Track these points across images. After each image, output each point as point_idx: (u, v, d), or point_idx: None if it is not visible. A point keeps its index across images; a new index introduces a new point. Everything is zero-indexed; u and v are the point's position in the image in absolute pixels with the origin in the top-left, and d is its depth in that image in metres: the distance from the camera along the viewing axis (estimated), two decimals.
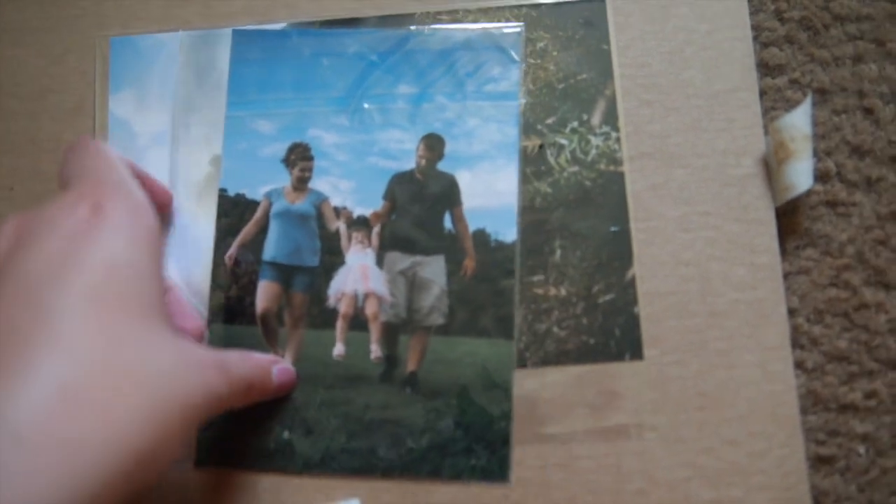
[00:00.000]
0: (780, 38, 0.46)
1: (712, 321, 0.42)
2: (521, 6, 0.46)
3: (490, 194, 0.44)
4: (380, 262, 0.44)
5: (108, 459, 0.28)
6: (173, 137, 0.46)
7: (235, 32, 0.47)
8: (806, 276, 0.43)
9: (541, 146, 0.44)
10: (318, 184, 0.45)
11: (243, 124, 0.46)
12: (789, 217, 0.44)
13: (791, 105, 0.44)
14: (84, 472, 0.27)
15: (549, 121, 0.45)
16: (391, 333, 0.43)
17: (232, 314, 0.44)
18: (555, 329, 0.42)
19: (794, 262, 0.43)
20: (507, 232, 0.43)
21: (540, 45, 0.45)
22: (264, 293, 0.44)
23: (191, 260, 0.45)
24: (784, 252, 0.43)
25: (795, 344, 0.42)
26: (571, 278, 0.43)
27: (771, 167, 0.43)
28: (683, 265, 0.42)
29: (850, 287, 0.43)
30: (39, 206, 0.34)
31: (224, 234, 0.45)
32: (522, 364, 0.42)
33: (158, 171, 0.45)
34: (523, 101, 0.45)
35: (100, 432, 0.28)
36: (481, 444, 0.41)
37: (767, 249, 0.42)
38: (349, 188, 0.45)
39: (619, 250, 0.43)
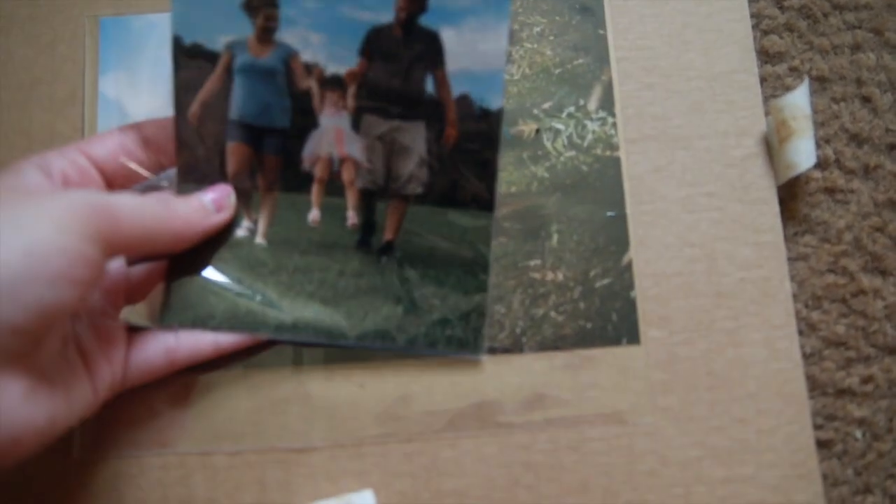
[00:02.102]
0: (779, 26, 0.46)
1: (719, 301, 0.42)
2: None
3: (476, 55, 0.40)
4: (356, 125, 0.41)
5: None
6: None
7: None
8: (804, 263, 0.43)
9: (537, 131, 0.44)
10: (285, 36, 0.40)
11: None
12: (788, 204, 0.44)
13: (791, 91, 0.44)
14: None
15: (546, 105, 0.44)
16: (368, 200, 0.42)
17: (202, 175, 0.41)
18: (552, 314, 0.42)
19: (793, 248, 0.43)
20: (493, 99, 0.41)
21: (536, 29, 0.45)
22: (234, 155, 0.41)
23: None
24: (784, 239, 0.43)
25: None
26: (568, 263, 0.42)
27: (772, 146, 0.43)
28: (689, 246, 0.42)
29: (848, 273, 0.43)
30: None
31: (183, 88, 0.40)
32: (520, 349, 0.41)
33: None
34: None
35: None
36: (456, 315, 0.41)
37: (771, 228, 0.43)
38: (320, 42, 0.40)
39: (616, 235, 0.43)
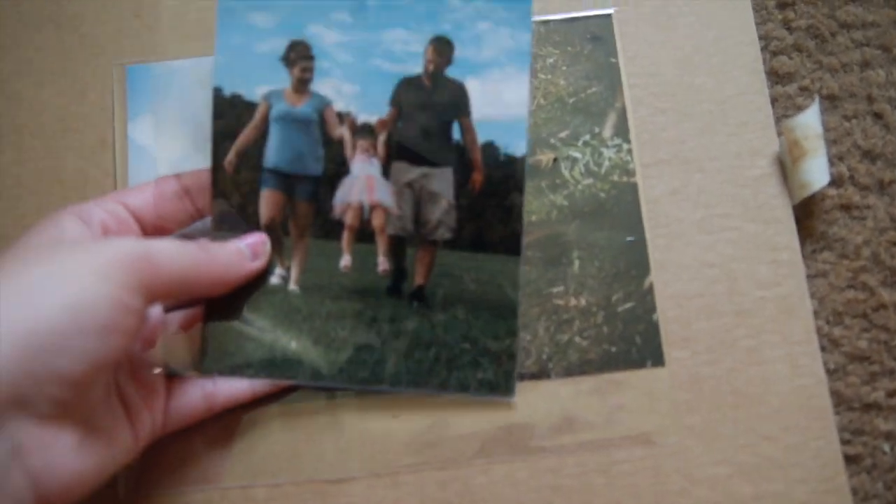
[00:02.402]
0: (788, 47, 0.47)
1: (740, 320, 0.42)
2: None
3: (500, 105, 0.43)
4: (386, 172, 0.43)
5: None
6: (192, 162, 0.45)
7: None
8: (824, 279, 0.44)
9: (555, 160, 0.45)
10: (319, 86, 0.42)
11: (237, 15, 0.42)
12: (805, 221, 0.45)
13: (802, 111, 0.45)
14: None
15: (562, 135, 0.45)
16: (398, 246, 0.43)
17: (235, 223, 0.42)
18: (577, 339, 0.43)
19: (812, 265, 0.44)
20: (517, 145, 0.43)
21: (549, 60, 0.46)
22: (267, 202, 0.42)
23: None
24: (801, 256, 0.43)
25: None
26: (591, 288, 0.43)
27: (786, 166, 0.44)
28: (708, 267, 0.43)
29: (868, 288, 0.44)
30: None
31: (221, 137, 0.42)
32: (547, 375, 0.42)
33: None
34: (535, 8, 0.45)
35: None
36: (487, 358, 0.42)
37: (788, 246, 0.43)
38: (353, 92, 0.42)
39: (636, 259, 0.43)
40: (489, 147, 0.43)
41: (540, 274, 0.43)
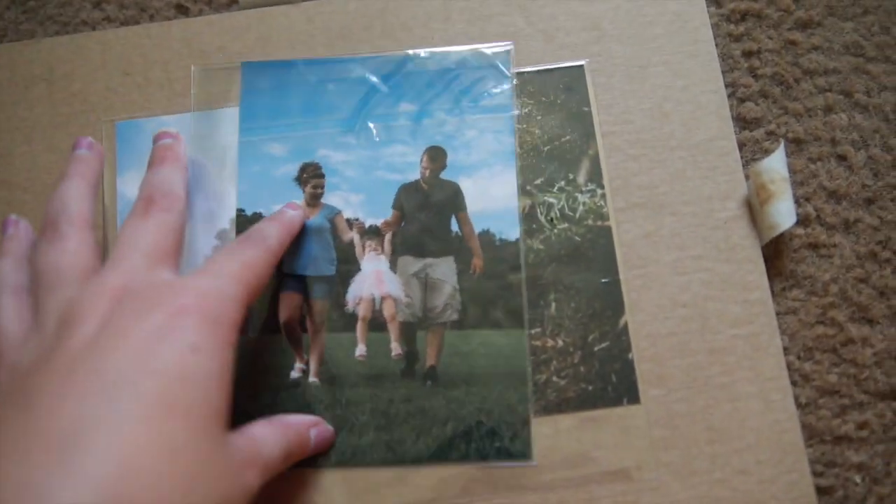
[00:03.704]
0: (754, 94, 0.49)
1: (713, 357, 0.44)
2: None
3: (491, 198, 0.47)
4: (393, 266, 0.47)
5: None
6: None
7: (245, 65, 0.49)
8: (794, 316, 0.45)
9: (531, 206, 0.47)
10: (330, 199, 0.47)
11: (256, 148, 0.48)
12: (774, 261, 0.46)
13: (769, 155, 0.47)
14: None
15: (538, 181, 0.47)
16: (409, 331, 0.45)
17: (256, 325, 0.46)
18: (554, 378, 0.44)
19: (782, 302, 0.45)
20: (510, 231, 0.46)
21: (525, 110, 0.48)
22: (286, 303, 0.46)
23: None
24: (772, 294, 0.45)
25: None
26: (567, 329, 0.45)
27: (754, 208, 0.45)
28: (681, 306, 0.45)
29: (837, 324, 0.45)
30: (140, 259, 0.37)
31: None
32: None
33: None
34: (517, 112, 0.48)
35: None
36: (503, 427, 0.43)
37: (758, 286, 0.45)
38: (359, 201, 0.47)
39: (611, 300, 0.45)
40: (485, 234, 0.47)
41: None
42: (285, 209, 0.45)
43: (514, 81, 0.48)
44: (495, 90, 0.48)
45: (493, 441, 0.43)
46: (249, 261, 0.38)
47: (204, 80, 0.49)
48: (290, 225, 0.44)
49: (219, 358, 0.34)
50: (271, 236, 0.41)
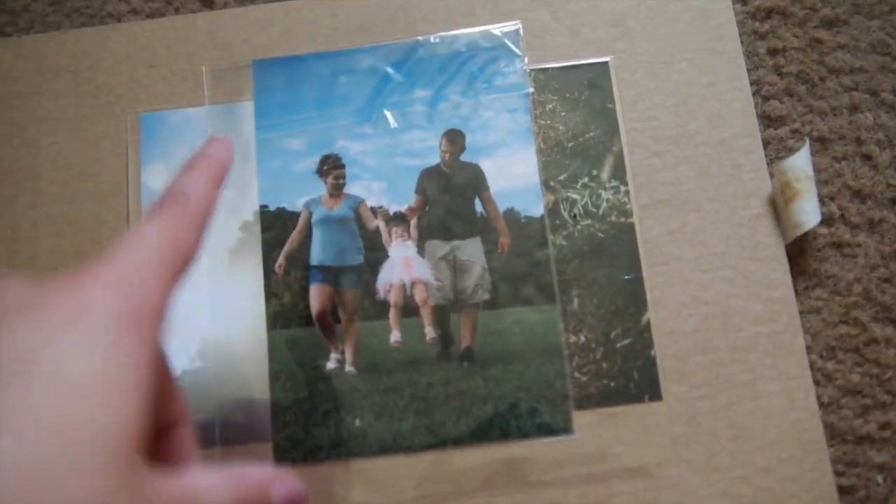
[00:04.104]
0: (779, 92, 0.49)
1: (735, 355, 0.44)
2: (530, 70, 0.49)
3: (513, 176, 0.47)
4: (421, 251, 0.47)
5: None
6: None
7: (256, 63, 0.50)
8: (817, 315, 0.45)
9: (554, 202, 0.47)
10: (352, 189, 0.48)
11: (274, 144, 0.48)
12: (797, 259, 0.46)
13: (794, 153, 0.47)
14: None
15: (561, 177, 0.47)
16: (442, 314, 0.46)
17: (289, 319, 0.46)
18: (576, 374, 0.44)
19: (805, 301, 0.45)
20: (534, 207, 0.47)
21: (549, 106, 0.48)
22: (317, 295, 0.46)
23: (237, 317, 0.46)
24: (795, 293, 0.45)
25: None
26: (590, 325, 0.45)
27: (779, 207, 0.45)
28: (704, 304, 0.45)
29: (860, 324, 0.45)
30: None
31: (270, 246, 0.47)
32: None
33: None
34: (531, 89, 0.48)
35: None
36: (542, 403, 0.43)
37: (781, 284, 0.45)
38: (382, 188, 0.48)
39: (634, 297, 0.45)
40: (510, 213, 0.47)
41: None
42: (206, 149, 0.34)
43: (526, 58, 0.49)
44: (507, 69, 0.49)
45: (533, 417, 0.43)
46: (170, 232, 0.29)
47: (216, 80, 0.50)
48: (218, 169, 0.33)
49: (132, 363, 0.25)
50: (195, 192, 0.31)
